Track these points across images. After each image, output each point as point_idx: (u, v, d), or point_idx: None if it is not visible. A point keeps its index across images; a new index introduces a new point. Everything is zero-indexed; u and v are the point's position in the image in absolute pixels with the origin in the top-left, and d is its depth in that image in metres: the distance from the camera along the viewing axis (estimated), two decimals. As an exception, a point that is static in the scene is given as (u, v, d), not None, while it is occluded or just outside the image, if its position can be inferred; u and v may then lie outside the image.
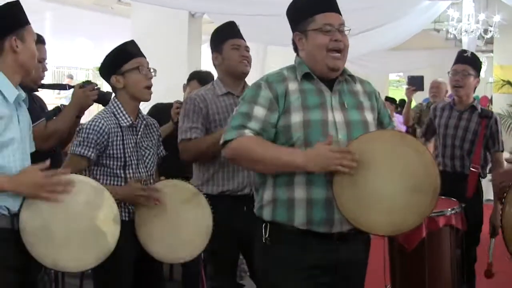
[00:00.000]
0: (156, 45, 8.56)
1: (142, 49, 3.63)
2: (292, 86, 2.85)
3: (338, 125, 2.79)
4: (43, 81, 4.01)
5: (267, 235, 2.81)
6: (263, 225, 2.83)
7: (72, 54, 12.86)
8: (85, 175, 3.42)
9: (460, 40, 11.07)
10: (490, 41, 13.01)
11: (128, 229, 3.34)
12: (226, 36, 3.92)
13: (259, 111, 2.79)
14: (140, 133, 3.54)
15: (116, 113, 3.47)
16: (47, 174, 2.82)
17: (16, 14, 2.91)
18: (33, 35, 2.95)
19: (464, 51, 5.09)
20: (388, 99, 13.36)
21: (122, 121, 3.45)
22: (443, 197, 4.07)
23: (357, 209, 2.65)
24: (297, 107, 2.79)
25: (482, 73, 16.23)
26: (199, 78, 5.14)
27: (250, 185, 3.64)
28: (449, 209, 4.15)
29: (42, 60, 3.79)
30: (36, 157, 3.03)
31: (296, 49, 2.98)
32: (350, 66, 13.80)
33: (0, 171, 2.72)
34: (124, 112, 3.47)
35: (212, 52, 3.97)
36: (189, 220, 3.44)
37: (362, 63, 12.66)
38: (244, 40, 3.96)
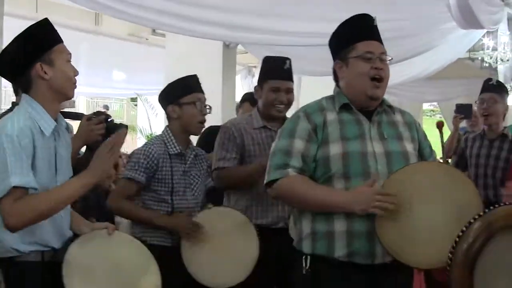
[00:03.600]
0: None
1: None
2: (331, 116, 2.84)
3: (377, 156, 2.77)
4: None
5: (307, 267, 2.78)
6: (303, 257, 2.79)
7: (107, 85, 12.98)
8: (136, 201, 3.59)
9: (496, 69, 10.96)
10: (527, 70, 12.86)
11: (172, 255, 3.42)
12: (269, 74, 3.88)
13: (298, 145, 2.78)
14: (189, 162, 3.67)
15: (166, 141, 3.62)
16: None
17: (38, 38, 2.68)
18: (65, 54, 2.73)
19: (490, 79, 5.11)
20: None
21: (171, 149, 3.60)
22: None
23: (400, 242, 2.60)
24: (336, 138, 2.78)
25: (518, 102, 15.96)
26: (251, 99, 5.17)
27: (285, 219, 3.62)
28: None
29: None
30: None
31: (336, 78, 2.97)
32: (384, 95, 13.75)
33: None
34: (174, 141, 3.62)
35: (257, 83, 3.96)
36: (236, 248, 3.50)
37: (396, 92, 12.54)
38: (292, 81, 3.89)
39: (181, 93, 3.63)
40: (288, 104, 3.87)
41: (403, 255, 2.61)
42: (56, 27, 2.78)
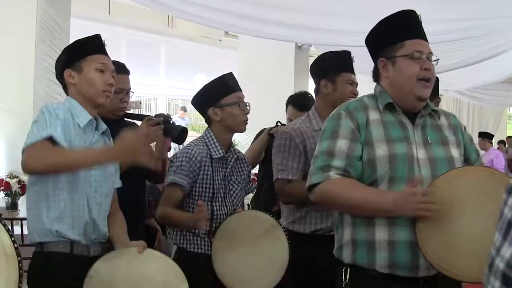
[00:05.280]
0: (263, 77, 8.59)
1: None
2: (373, 115, 2.68)
3: (420, 162, 2.60)
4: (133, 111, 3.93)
5: (347, 280, 2.63)
6: (343, 269, 2.65)
7: (186, 87, 13.14)
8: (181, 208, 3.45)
9: None
10: None
11: (205, 262, 3.33)
12: (343, 67, 3.73)
13: (341, 145, 2.62)
14: (230, 166, 3.54)
15: (208, 144, 3.48)
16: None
17: (73, 49, 3.02)
18: (96, 63, 2.95)
19: None
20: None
21: (214, 153, 3.46)
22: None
23: (442, 253, 2.40)
24: (380, 139, 2.62)
25: None
26: (293, 103, 4.93)
27: None
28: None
29: (120, 91, 3.53)
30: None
31: (375, 77, 2.82)
32: (462, 98, 13.39)
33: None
34: (216, 144, 3.48)
35: (321, 78, 3.75)
36: (265, 253, 3.35)
37: (475, 95, 12.21)
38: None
39: (221, 95, 3.49)
40: None
41: (448, 267, 2.41)
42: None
